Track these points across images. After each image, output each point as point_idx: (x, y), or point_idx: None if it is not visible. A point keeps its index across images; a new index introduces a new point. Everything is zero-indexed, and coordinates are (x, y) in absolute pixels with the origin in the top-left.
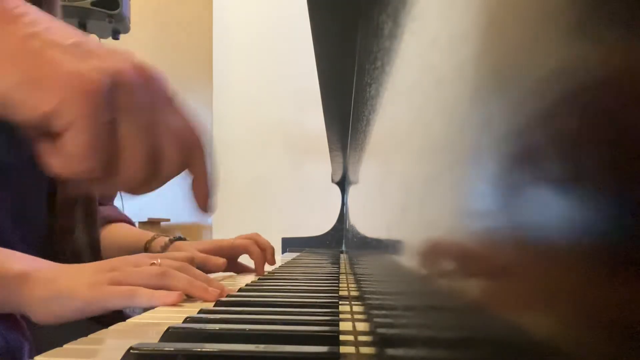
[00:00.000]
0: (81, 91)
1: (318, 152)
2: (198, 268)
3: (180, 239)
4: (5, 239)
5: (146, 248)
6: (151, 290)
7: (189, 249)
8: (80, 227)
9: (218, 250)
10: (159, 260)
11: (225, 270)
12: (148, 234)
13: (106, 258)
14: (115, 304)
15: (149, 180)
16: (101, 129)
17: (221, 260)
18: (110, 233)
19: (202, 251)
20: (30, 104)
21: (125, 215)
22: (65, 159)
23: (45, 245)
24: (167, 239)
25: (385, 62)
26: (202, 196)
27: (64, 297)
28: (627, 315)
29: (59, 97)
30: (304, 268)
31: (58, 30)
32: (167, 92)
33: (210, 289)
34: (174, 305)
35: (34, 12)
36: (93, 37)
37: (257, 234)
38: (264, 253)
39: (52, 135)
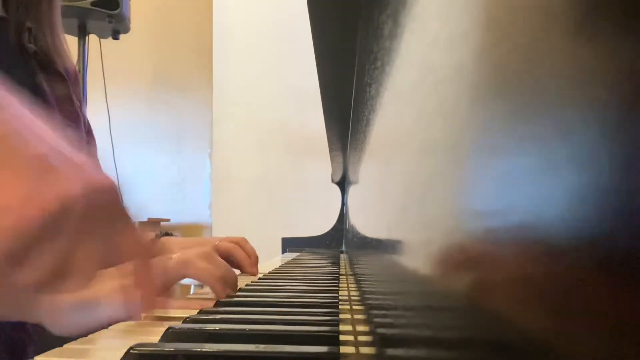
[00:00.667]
0: (20, 218)
1: (318, 152)
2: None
3: (167, 234)
4: None
5: None
6: (184, 302)
7: (174, 246)
8: None
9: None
10: (174, 256)
11: None
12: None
13: None
14: (137, 314)
15: (55, 285)
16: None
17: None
18: None
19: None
20: None
21: None
22: None
23: None
24: (153, 235)
25: (385, 62)
26: (144, 300)
27: (90, 305)
28: (628, 315)
29: None
30: (304, 268)
31: (31, 131)
32: (117, 210)
33: (228, 288)
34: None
35: (14, 104)
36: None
37: (244, 239)
38: (250, 258)
39: None
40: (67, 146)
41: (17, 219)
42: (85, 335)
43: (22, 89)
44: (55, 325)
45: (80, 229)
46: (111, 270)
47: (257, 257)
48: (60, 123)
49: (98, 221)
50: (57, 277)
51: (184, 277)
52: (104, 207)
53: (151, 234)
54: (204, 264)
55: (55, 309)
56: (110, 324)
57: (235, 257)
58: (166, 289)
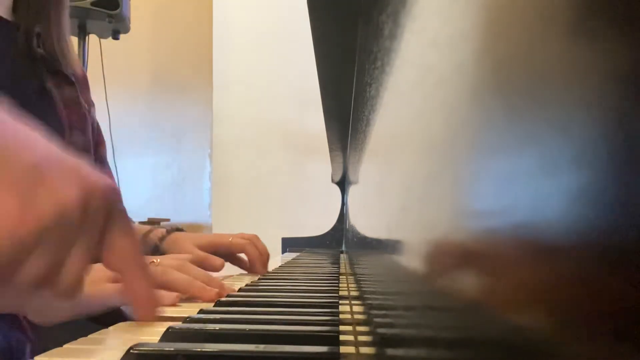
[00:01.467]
0: (17, 227)
1: (318, 152)
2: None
3: (178, 230)
4: None
5: (144, 241)
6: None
7: (186, 241)
8: None
9: (215, 247)
10: (158, 260)
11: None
12: (145, 227)
13: None
14: (113, 301)
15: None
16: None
17: (219, 261)
18: None
19: (199, 246)
20: None
21: None
22: None
23: None
24: (164, 230)
25: (385, 62)
26: (142, 299)
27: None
28: (627, 315)
29: None
30: (304, 268)
31: (20, 140)
32: (115, 210)
33: (208, 288)
34: (170, 305)
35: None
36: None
37: (256, 236)
38: (261, 256)
39: None
40: (58, 150)
41: (13, 228)
42: (67, 323)
43: (30, 93)
44: (36, 313)
45: (75, 234)
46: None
47: (268, 256)
48: (67, 126)
49: (94, 223)
50: (48, 281)
51: (160, 287)
52: (100, 208)
53: (162, 230)
54: (177, 275)
55: (35, 300)
56: (86, 313)
57: (247, 254)
58: None
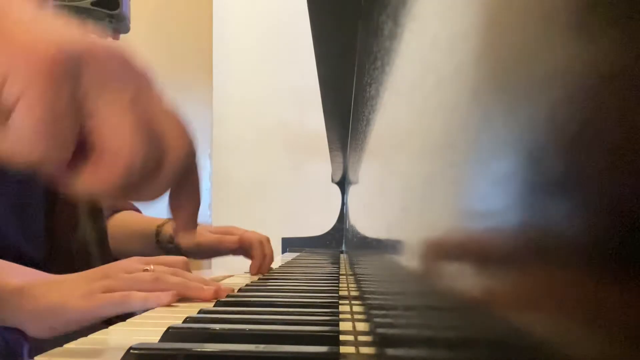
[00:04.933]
0: (34, 59)
1: (318, 152)
2: (210, 250)
3: None
4: (4, 233)
5: (158, 232)
6: (145, 293)
7: (200, 232)
8: (84, 219)
9: (227, 232)
10: (152, 266)
11: (235, 254)
12: (158, 219)
13: (116, 246)
14: (110, 311)
15: (144, 180)
16: (60, 103)
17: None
18: (119, 221)
19: (212, 232)
20: None
21: (132, 204)
22: (12, 142)
23: (47, 240)
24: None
25: (385, 62)
26: (191, 215)
27: (58, 311)
28: (627, 315)
29: (5, 64)
30: (304, 268)
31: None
32: (149, 81)
33: (205, 287)
34: (170, 305)
35: None
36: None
37: (268, 239)
38: (264, 258)
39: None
40: None
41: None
42: (63, 337)
43: None
44: (31, 329)
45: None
46: (76, 276)
47: (272, 260)
48: None
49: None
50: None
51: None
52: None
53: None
54: (172, 280)
55: (29, 315)
56: (83, 327)
57: (253, 252)
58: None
